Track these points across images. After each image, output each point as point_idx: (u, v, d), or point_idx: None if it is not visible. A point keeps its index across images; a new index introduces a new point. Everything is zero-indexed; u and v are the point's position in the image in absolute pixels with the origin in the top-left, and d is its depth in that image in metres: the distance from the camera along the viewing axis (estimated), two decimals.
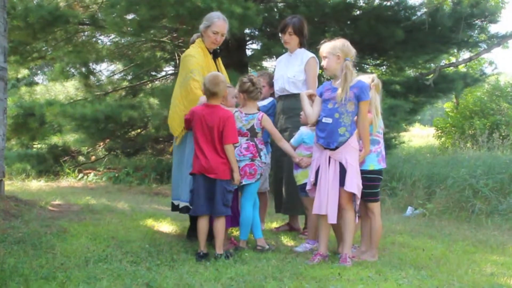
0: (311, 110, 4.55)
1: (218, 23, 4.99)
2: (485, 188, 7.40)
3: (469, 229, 6.46)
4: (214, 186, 4.40)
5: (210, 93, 4.47)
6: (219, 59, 5.25)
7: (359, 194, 4.29)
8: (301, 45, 5.62)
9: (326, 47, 4.45)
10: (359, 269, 4.06)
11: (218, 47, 5.16)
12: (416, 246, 5.19)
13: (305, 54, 5.55)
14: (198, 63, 4.87)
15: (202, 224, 4.43)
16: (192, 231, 4.97)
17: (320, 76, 5.95)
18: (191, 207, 4.62)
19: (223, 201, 4.40)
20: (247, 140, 4.69)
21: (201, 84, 4.66)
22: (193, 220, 4.95)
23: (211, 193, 4.41)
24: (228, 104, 4.86)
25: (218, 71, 4.97)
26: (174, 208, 5.00)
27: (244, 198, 4.73)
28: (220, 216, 4.42)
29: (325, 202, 4.31)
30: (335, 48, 4.39)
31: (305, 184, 4.83)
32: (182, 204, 4.83)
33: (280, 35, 5.71)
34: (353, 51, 4.44)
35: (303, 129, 4.95)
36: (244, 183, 4.65)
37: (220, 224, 4.43)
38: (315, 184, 4.43)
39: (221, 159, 4.41)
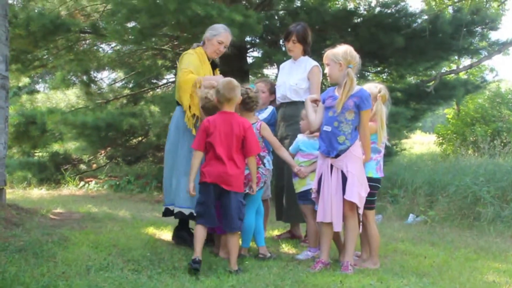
0: (314, 117, 4.56)
1: (224, 34, 5.15)
2: (487, 195, 7.38)
3: (471, 236, 6.45)
4: (227, 199, 4.29)
5: (226, 99, 4.34)
6: (217, 70, 5.34)
7: (359, 203, 4.27)
8: (305, 52, 5.62)
9: (328, 54, 4.44)
10: (360, 277, 4.05)
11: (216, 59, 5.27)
12: (418, 253, 5.18)
13: (309, 62, 5.55)
14: (196, 61, 4.99)
15: (201, 231, 4.28)
16: (178, 232, 5.12)
17: (322, 84, 5.96)
18: (186, 214, 4.67)
19: (238, 216, 4.30)
20: None
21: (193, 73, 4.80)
22: (181, 222, 5.12)
23: (222, 205, 4.35)
24: None
25: None
26: (167, 213, 5.04)
27: (247, 206, 4.71)
28: (234, 232, 4.33)
29: (329, 210, 4.30)
30: (337, 55, 4.38)
31: (303, 191, 4.85)
32: (177, 210, 4.88)
33: (283, 42, 5.71)
34: (356, 58, 4.40)
35: (299, 137, 4.98)
36: (247, 191, 4.64)
37: (235, 240, 4.33)
38: (318, 192, 4.43)
39: (238, 169, 4.30)
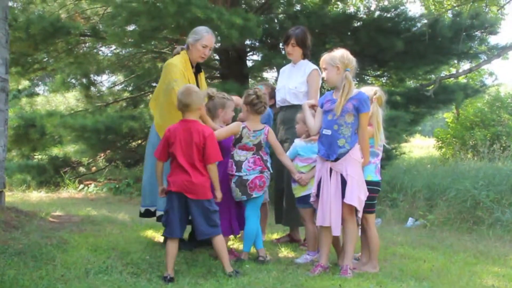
0: (313, 122, 4.56)
1: (207, 37, 5.06)
2: (487, 199, 7.38)
3: (470, 240, 6.45)
4: (193, 208, 4.18)
5: (183, 105, 4.26)
6: (202, 74, 5.31)
7: (359, 207, 4.27)
8: (304, 56, 5.63)
9: (325, 58, 4.45)
10: (360, 281, 4.05)
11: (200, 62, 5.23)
12: (417, 257, 5.18)
13: (308, 66, 5.55)
14: (181, 72, 4.90)
15: (172, 247, 4.17)
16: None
17: (322, 87, 5.96)
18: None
19: (207, 223, 4.18)
20: (253, 154, 4.65)
21: None
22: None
23: (190, 213, 4.25)
24: (226, 117, 4.88)
25: (198, 85, 4.97)
26: (144, 214, 5.14)
27: (250, 211, 4.68)
28: (216, 236, 4.23)
29: (328, 214, 4.29)
30: (334, 59, 4.39)
31: (302, 196, 4.84)
32: (159, 213, 4.93)
33: (283, 46, 5.70)
34: (353, 61, 4.42)
35: (297, 141, 4.97)
36: (254, 196, 4.62)
37: (219, 244, 4.23)
38: (317, 195, 4.42)
39: (202, 177, 4.19)
